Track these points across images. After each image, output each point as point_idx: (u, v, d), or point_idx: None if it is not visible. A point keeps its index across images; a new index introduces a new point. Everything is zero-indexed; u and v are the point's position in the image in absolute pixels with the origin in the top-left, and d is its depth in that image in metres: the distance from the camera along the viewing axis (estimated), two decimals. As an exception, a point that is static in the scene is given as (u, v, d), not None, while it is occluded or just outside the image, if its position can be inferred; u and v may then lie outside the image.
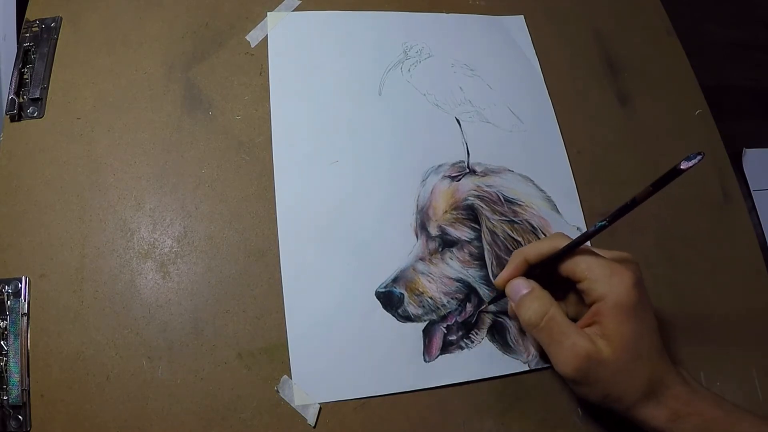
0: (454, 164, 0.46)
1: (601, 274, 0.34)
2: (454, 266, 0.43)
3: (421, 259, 0.42)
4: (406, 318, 0.41)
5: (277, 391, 0.38)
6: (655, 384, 0.34)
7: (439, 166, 0.46)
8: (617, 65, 0.53)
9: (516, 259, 0.38)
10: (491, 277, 0.42)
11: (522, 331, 0.41)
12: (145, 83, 0.46)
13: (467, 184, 0.45)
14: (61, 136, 0.43)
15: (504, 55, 0.52)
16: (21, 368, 0.36)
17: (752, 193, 0.58)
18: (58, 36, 0.46)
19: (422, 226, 0.43)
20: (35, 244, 0.40)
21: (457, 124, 0.48)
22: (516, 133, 0.48)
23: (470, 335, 0.41)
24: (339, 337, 0.39)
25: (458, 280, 0.42)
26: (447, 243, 0.43)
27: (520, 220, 0.45)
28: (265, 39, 0.49)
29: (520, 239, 0.44)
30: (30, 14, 0.47)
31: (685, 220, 0.47)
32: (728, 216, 0.48)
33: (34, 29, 0.46)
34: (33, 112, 0.44)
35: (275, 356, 0.38)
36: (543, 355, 0.40)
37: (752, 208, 0.55)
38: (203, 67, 0.47)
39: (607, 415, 0.39)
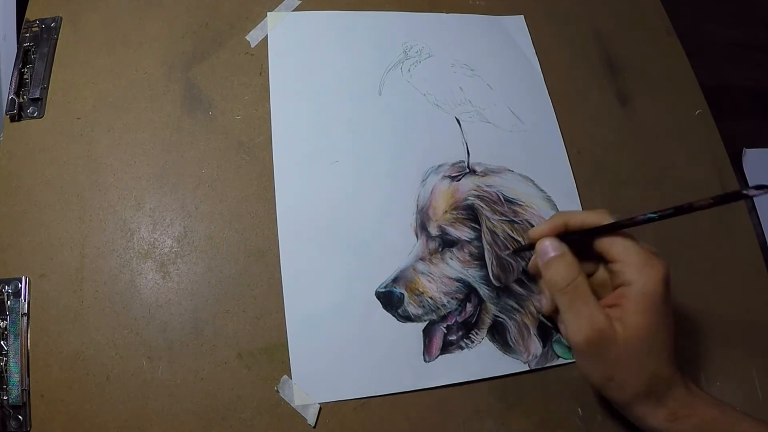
0: (454, 164, 0.46)
1: (636, 261, 0.34)
2: (454, 266, 0.43)
3: (421, 259, 0.42)
4: (406, 318, 0.41)
5: (277, 391, 0.38)
6: (658, 382, 0.34)
7: (439, 166, 0.46)
8: (617, 65, 0.53)
9: (557, 220, 0.37)
10: (491, 277, 0.42)
11: (522, 331, 0.41)
12: (145, 83, 0.46)
13: (467, 184, 0.45)
14: (61, 136, 0.43)
15: (504, 55, 0.52)
16: (21, 368, 0.36)
17: (753, 193, 0.58)
18: (58, 36, 0.46)
19: (422, 226, 0.43)
20: (35, 244, 0.40)
21: (457, 124, 0.48)
22: (516, 133, 0.48)
23: (470, 335, 0.41)
24: (339, 337, 0.39)
25: (458, 280, 0.42)
26: (447, 243, 0.43)
27: (521, 220, 0.45)
28: (265, 39, 0.49)
29: (520, 239, 0.44)
30: (30, 14, 0.47)
31: (685, 220, 0.47)
32: (728, 216, 0.48)
33: (34, 29, 0.46)
34: (33, 112, 0.44)
35: (275, 356, 0.38)
36: (543, 355, 0.41)
37: (752, 208, 0.54)
38: (203, 67, 0.47)
39: (607, 416, 0.39)
